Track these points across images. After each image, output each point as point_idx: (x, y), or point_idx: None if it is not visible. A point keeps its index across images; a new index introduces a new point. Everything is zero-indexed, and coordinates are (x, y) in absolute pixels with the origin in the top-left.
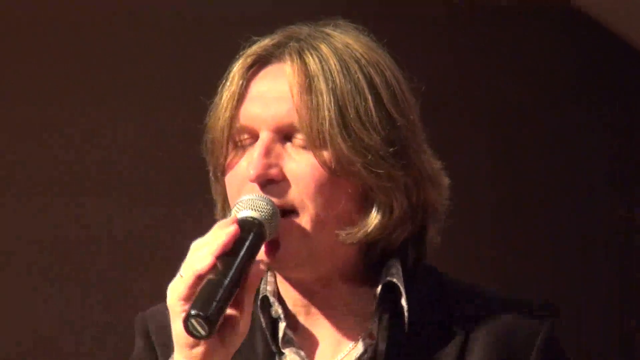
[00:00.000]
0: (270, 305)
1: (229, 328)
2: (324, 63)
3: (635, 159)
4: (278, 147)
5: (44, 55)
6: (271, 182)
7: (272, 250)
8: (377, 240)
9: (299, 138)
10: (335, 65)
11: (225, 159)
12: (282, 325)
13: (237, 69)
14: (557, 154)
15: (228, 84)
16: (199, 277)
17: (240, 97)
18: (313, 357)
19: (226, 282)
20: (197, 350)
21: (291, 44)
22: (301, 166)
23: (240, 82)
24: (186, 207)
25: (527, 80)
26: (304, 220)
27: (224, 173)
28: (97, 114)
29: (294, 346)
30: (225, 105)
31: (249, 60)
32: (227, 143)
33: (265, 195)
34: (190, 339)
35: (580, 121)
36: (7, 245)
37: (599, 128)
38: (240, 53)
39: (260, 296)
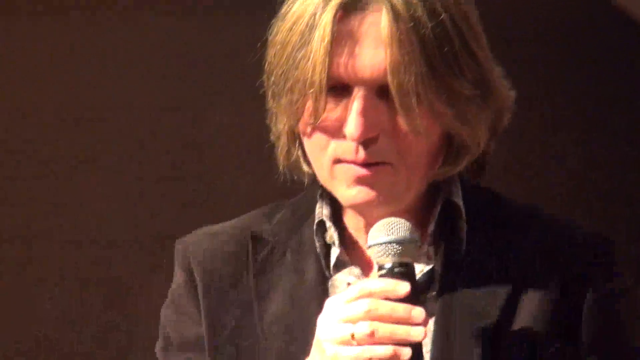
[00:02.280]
0: (325, 230)
1: None
2: (411, 9)
3: None
4: (374, 103)
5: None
6: (368, 139)
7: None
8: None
9: (392, 93)
10: (422, 8)
11: (324, 107)
12: (335, 250)
13: (324, 13)
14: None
15: (313, 25)
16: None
17: (330, 43)
18: (369, 274)
19: None
20: None
21: None
22: (397, 124)
23: (330, 28)
24: (189, 205)
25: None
26: (402, 170)
27: (295, 120)
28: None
29: (346, 267)
30: (317, 49)
31: (335, 6)
32: (326, 91)
33: (403, 224)
34: None
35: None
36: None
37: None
38: None
39: (317, 220)
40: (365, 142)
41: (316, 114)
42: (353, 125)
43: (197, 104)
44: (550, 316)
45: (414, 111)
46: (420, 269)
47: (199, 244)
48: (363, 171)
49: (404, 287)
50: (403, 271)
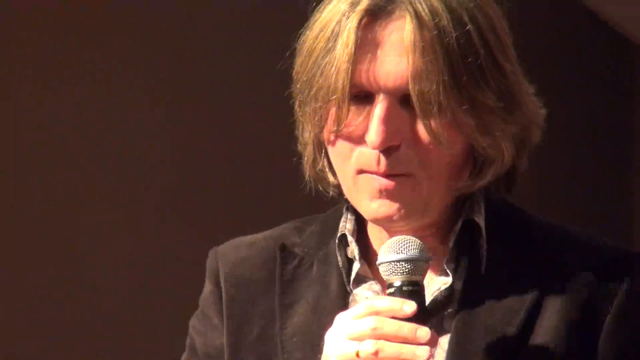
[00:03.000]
0: (347, 245)
1: None
2: (436, 18)
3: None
4: (396, 111)
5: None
6: (390, 148)
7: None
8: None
9: (414, 101)
10: (447, 18)
11: (347, 114)
12: (356, 265)
13: (349, 20)
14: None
15: (338, 32)
16: None
17: (355, 50)
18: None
19: None
20: None
21: None
22: (418, 133)
23: (354, 35)
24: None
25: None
26: (422, 181)
27: (319, 128)
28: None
29: (366, 282)
30: (341, 55)
31: (360, 12)
32: (349, 98)
33: (413, 242)
34: None
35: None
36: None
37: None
38: (346, 3)
39: (339, 234)
40: (387, 151)
41: (339, 120)
42: (374, 132)
43: (228, 116)
44: (569, 335)
45: (435, 120)
46: (439, 285)
47: (228, 253)
48: (385, 182)
49: (410, 306)
50: (412, 290)
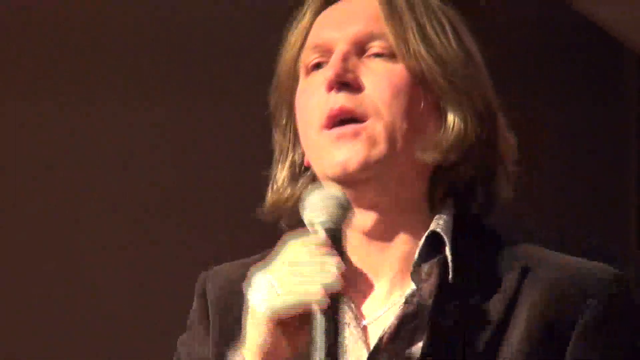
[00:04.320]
0: None
1: (299, 340)
2: None
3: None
4: (355, 58)
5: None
6: (347, 87)
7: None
8: (448, 169)
9: (376, 45)
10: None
11: (289, 88)
12: None
13: (310, 2)
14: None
15: (298, 18)
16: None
17: (312, 27)
18: (361, 306)
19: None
20: (268, 354)
21: None
22: (378, 73)
23: (311, 13)
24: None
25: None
26: (377, 126)
27: (292, 104)
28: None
29: (344, 294)
30: (295, 37)
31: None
32: (294, 69)
33: (336, 194)
34: (262, 343)
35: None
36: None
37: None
38: None
39: None
40: (343, 87)
41: (292, 85)
42: (329, 68)
43: (228, 117)
44: (537, 350)
45: (396, 64)
46: (408, 298)
47: (216, 275)
48: (341, 130)
49: (322, 238)
50: (329, 227)
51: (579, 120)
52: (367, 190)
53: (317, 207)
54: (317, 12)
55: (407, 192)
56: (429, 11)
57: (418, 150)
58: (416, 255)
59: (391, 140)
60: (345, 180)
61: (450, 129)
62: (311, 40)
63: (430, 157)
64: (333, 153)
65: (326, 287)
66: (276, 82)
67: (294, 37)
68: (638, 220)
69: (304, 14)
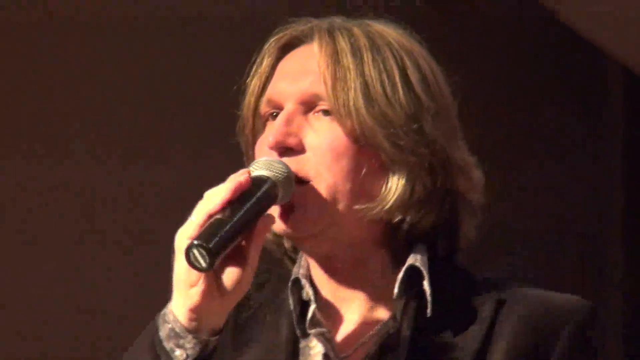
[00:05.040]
0: (301, 288)
1: (229, 277)
2: (353, 41)
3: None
4: (300, 118)
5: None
6: (290, 151)
7: (286, 214)
8: (401, 221)
9: (322, 106)
10: (365, 44)
11: (252, 132)
12: (312, 306)
13: (267, 49)
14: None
15: (257, 64)
16: (209, 216)
17: (269, 75)
18: (336, 339)
19: (232, 221)
20: (195, 290)
21: (323, 25)
22: (321, 134)
23: (269, 61)
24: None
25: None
26: (320, 187)
27: (252, 148)
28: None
29: (321, 327)
30: (254, 83)
31: (281, 41)
32: (253, 117)
33: (281, 160)
34: (189, 278)
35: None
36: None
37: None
38: (272, 34)
39: (292, 278)
40: (285, 152)
41: (250, 135)
42: (271, 132)
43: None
44: None
45: (342, 120)
46: (386, 330)
47: None
48: None
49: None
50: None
51: (562, 129)
52: (317, 245)
53: (263, 163)
54: (275, 61)
55: (360, 243)
56: (379, 64)
57: (363, 210)
58: (396, 289)
59: (333, 201)
60: (290, 239)
61: (394, 190)
62: (267, 92)
63: (376, 216)
64: (277, 216)
65: (230, 181)
66: (240, 126)
67: (252, 84)
68: (622, 228)
69: (262, 61)
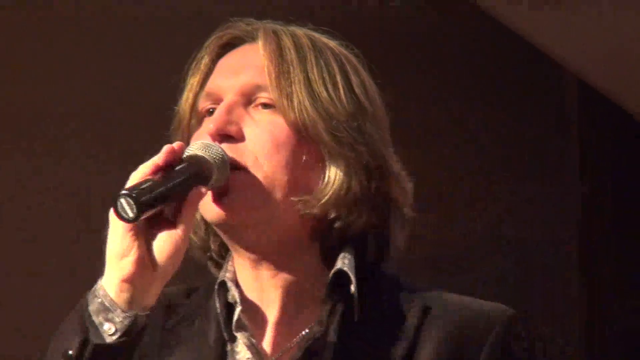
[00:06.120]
0: (227, 290)
1: (161, 249)
2: (297, 40)
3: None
4: (241, 109)
5: None
6: (230, 139)
7: (220, 198)
8: (334, 219)
9: (263, 96)
10: (308, 44)
11: (187, 128)
12: (237, 309)
13: (207, 46)
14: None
15: (197, 61)
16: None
17: (209, 72)
18: (262, 343)
19: (162, 182)
20: (127, 260)
21: (267, 25)
22: (261, 125)
23: (210, 58)
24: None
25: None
26: (258, 175)
27: (188, 145)
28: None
29: (246, 331)
30: (193, 80)
31: (222, 39)
32: (190, 114)
33: (219, 144)
34: (122, 247)
35: (486, 118)
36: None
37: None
38: (214, 33)
39: (219, 281)
40: (224, 140)
41: (186, 129)
42: (211, 120)
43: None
44: None
45: (283, 110)
46: (312, 334)
47: (161, 297)
48: None
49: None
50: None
51: (520, 145)
52: (246, 235)
53: (200, 145)
54: (216, 58)
55: (292, 238)
56: (321, 63)
57: (299, 203)
58: (323, 293)
59: (269, 191)
60: (222, 226)
61: (331, 184)
62: (207, 86)
63: (310, 210)
64: (212, 201)
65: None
66: (176, 122)
67: (191, 80)
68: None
69: (202, 59)
